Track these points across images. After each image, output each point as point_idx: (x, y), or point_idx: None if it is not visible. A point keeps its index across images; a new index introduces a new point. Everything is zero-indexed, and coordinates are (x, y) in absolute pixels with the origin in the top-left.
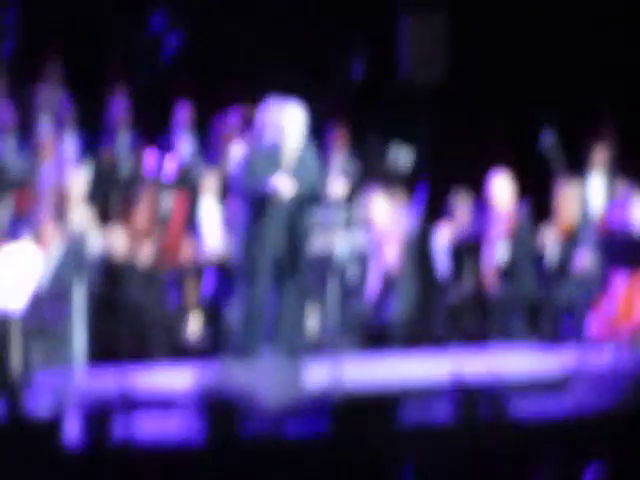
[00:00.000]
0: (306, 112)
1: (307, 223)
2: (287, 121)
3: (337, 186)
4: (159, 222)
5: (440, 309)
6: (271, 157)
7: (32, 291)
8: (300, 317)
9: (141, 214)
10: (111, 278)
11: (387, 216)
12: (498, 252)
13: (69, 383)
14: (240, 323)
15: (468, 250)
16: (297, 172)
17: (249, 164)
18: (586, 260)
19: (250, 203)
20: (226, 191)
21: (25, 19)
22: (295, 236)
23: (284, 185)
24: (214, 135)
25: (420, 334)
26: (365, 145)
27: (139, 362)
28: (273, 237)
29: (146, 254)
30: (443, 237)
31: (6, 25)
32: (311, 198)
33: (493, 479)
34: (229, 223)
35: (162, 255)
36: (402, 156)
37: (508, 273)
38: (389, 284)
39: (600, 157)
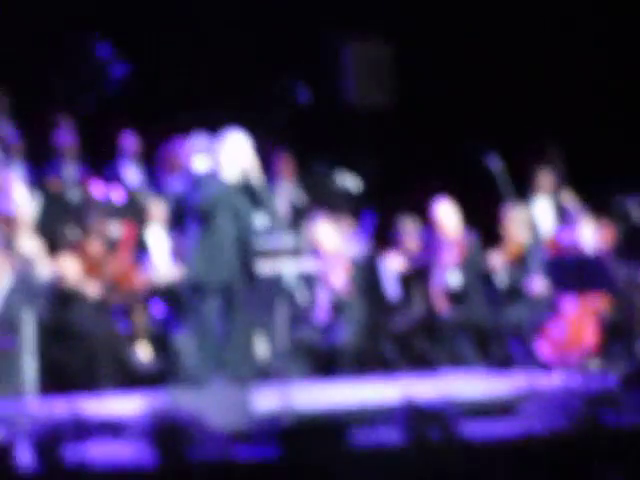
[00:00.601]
0: (249, 139)
1: (255, 248)
2: (228, 146)
3: (284, 212)
4: (108, 250)
5: (389, 334)
6: (213, 178)
7: None
8: (249, 342)
9: (91, 243)
10: (61, 306)
11: (334, 242)
12: (448, 278)
13: (20, 411)
14: (190, 349)
15: (417, 276)
16: (243, 193)
17: (193, 186)
18: (538, 284)
19: (197, 225)
20: (173, 219)
21: None
22: (244, 260)
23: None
24: (160, 164)
25: (370, 358)
26: (311, 172)
27: (89, 390)
28: (222, 261)
29: (97, 282)
30: (392, 263)
31: None
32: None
33: None
34: (177, 250)
35: (113, 283)
36: (348, 182)
37: (458, 298)
38: (338, 309)
39: (546, 180)
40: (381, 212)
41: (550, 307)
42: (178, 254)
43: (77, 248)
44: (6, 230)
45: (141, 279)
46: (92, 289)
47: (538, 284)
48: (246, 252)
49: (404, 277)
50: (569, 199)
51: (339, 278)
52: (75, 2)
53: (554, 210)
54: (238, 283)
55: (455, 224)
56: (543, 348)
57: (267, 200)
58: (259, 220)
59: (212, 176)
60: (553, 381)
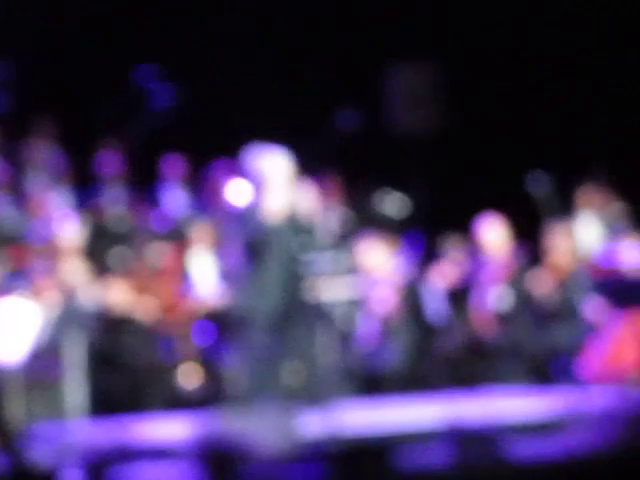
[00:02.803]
0: (292, 160)
1: (304, 272)
2: (268, 169)
3: (329, 234)
4: (152, 275)
5: (436, 354)
6: (255, 207)
7: (31, 344)
8: (297, 366)
9: (138, 268)
10: (109, 331)
11: (381, 263)
12: (493, 297)
13: (68, 435)
14: (239, 373)
15: (463, 295)
16: (289, 220)
17: (240, 215)
18: (595, 308)
19: (247, 253)
20: (219, 241)
21: (17, 75)
22: (295, 285)
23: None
24: (204, 186)
25: (416, 380)
26: (357, 193)
27: (137, 414)
28: (271, 295)
29: (145, 308)
30: (437, 282)
31: None
32: (306, 246)
33: None
34: (223, 273)
35: (161, 308)
36: (394, 203)
37: (504, 318)
38: (385, 331)
39: (589, 198)
40: (429, 235)
41: (592, 326)
42: (226, 277)
43: (125, 273)
44: (51, 255)
45: (187, 304)
46: (142, 312)
47: (595, 309)
48: (295, 282)
49: (450, 296)
50: (618, 215)
51: (387, 300)
52: (120, 30)
53: (597, 228)
54: (287, 312)
55: (500, 241)
56: (586, 366)
57: (311, 231)
58: (307, 250)
59: (253, 212)
60: (595, 401)
